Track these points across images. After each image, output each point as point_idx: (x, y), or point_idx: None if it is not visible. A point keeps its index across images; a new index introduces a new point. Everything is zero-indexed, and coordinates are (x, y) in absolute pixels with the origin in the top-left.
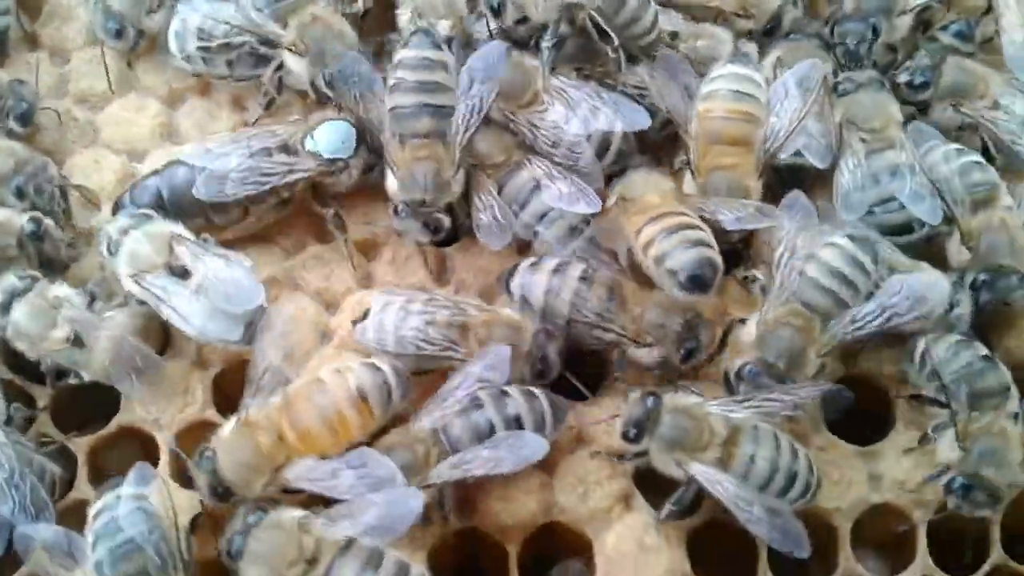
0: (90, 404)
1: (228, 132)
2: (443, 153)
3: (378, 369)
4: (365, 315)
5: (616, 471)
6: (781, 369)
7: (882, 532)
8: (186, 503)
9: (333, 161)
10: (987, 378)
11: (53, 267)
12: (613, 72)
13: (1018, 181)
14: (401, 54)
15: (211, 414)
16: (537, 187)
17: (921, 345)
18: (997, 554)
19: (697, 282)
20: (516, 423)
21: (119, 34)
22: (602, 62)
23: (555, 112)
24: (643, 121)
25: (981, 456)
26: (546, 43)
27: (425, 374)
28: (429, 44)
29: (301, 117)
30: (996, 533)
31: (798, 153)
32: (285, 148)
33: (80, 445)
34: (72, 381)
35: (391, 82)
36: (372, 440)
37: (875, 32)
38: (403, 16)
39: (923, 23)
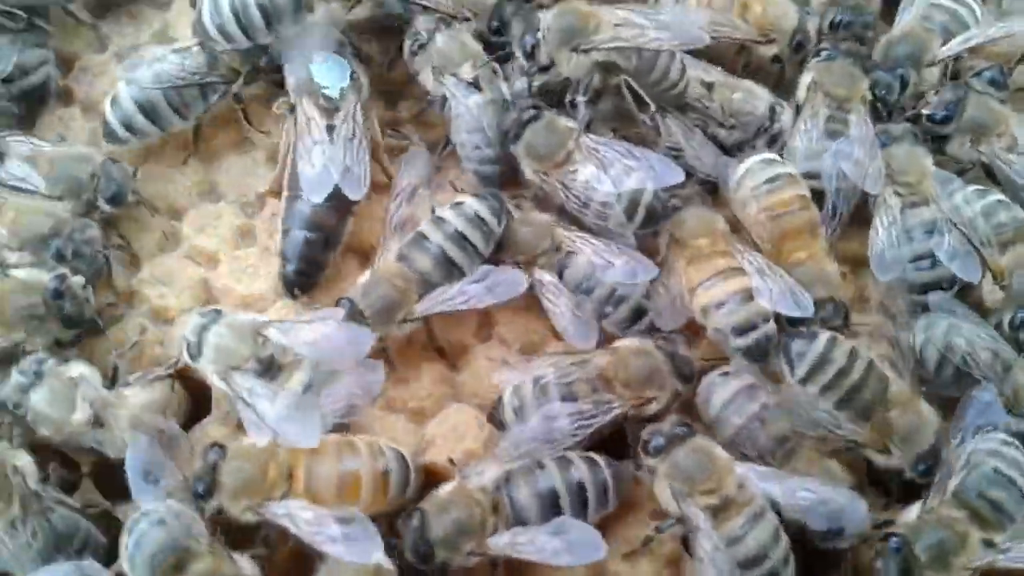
0: None
1: None
2: None
3: (404, 460)
4: (497, 407)
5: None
6: None
7: None
8: None
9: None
10: None
11: (80, 327)
12: (650, 136)
13: None
14: None
15: None
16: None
17: None
18: None
19: (755, 356)
20: (579, 490)
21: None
22: (638, 125)
23: (586, 172)
24: (676, 177)
25: None
26: (579, 99)
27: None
28: None
29: None
30: None
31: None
32: None
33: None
34: None
35: None
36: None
37: (904, 83)
38: (426, 79)
39: (954, 73)
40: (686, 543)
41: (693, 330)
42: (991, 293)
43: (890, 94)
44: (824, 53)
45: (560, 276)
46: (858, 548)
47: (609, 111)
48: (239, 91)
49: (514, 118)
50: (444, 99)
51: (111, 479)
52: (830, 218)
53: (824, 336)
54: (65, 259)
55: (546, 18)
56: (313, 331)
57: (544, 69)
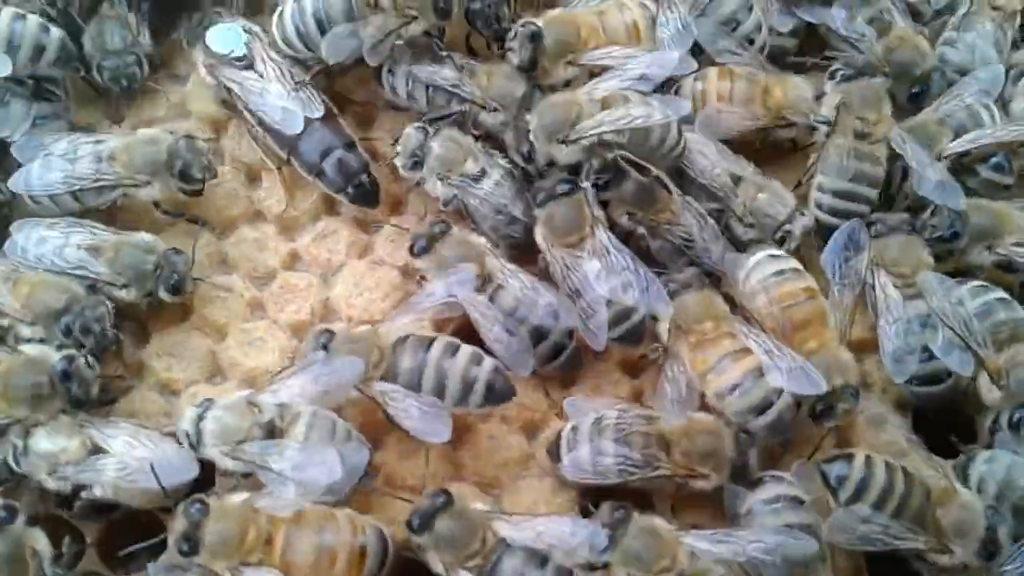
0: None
1: None
2: None
3: (384, 540)
4: (558, 441)
5: None
6: None
7: None
8: None
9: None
10: None
11: (87, 407)
12: (664, 220)
13: None
14: None
15: None
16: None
17: None
18: None
19: (777, 432)
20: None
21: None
22: (658, 208)
23: (590, 266)
24: (663, 311)
25: None
26: (585, 183)
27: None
28: None
29: None
30: None
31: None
32: None
33: None
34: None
35: None
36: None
37: (905, 174)
38: (433, 186)
39: (960, 167)
40: None
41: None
42: (989, 392)
43: (891, 183)
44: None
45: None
46: None
47: (631, 192)
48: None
49: (547, 188)
50: (455, 196)
51: (114, 547)
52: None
53: (860, 457)
54: (72, 334)
55: (532, 120)
56: (301, 380)
57: (549, 164)
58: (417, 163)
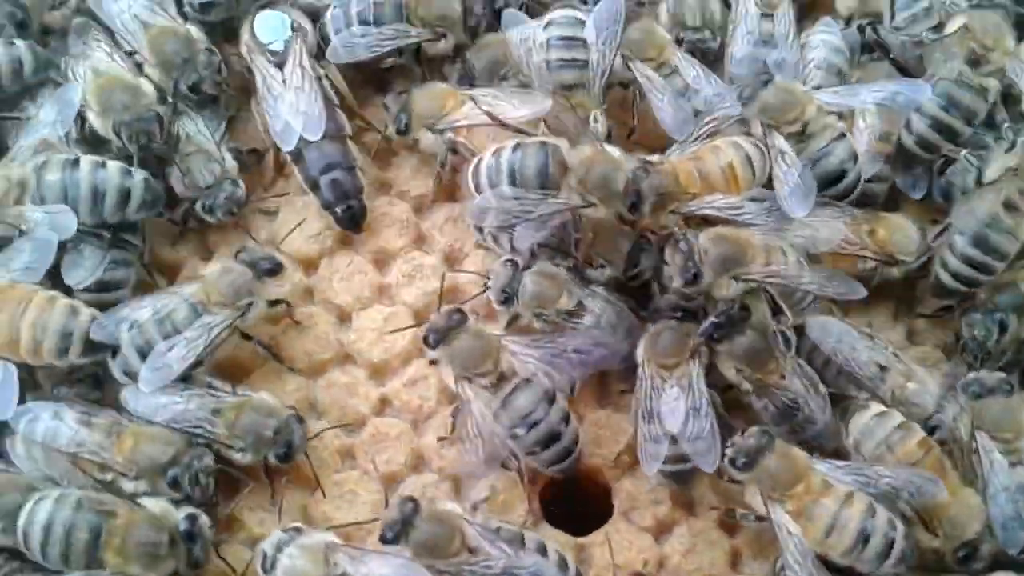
0: None
1: None
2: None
3: None
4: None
5: None
6: None
7: None
8: None
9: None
10: None
11: (201, 567)
12: (772, 383)
13: None
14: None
15: None
16: None
17: None
18: None
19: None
20: None
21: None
22: (768, 369)
23: (671, 393)
24: (708, 469)
25: None
26: (711, 321)
27: None
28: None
29: None
30: None
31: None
32: None
33: None
34: None
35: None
36: None
37: (1003, 328)
38: (531, 323)
39: None
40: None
41: None
42: None
43: (988, 339)
44: (971, 390)
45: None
46: None
47: (744, 347)
48: None
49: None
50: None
51: None
52: None
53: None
54: (180, 487)
55: (702, 242)
56: (383, 564)
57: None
58: (508, 299)
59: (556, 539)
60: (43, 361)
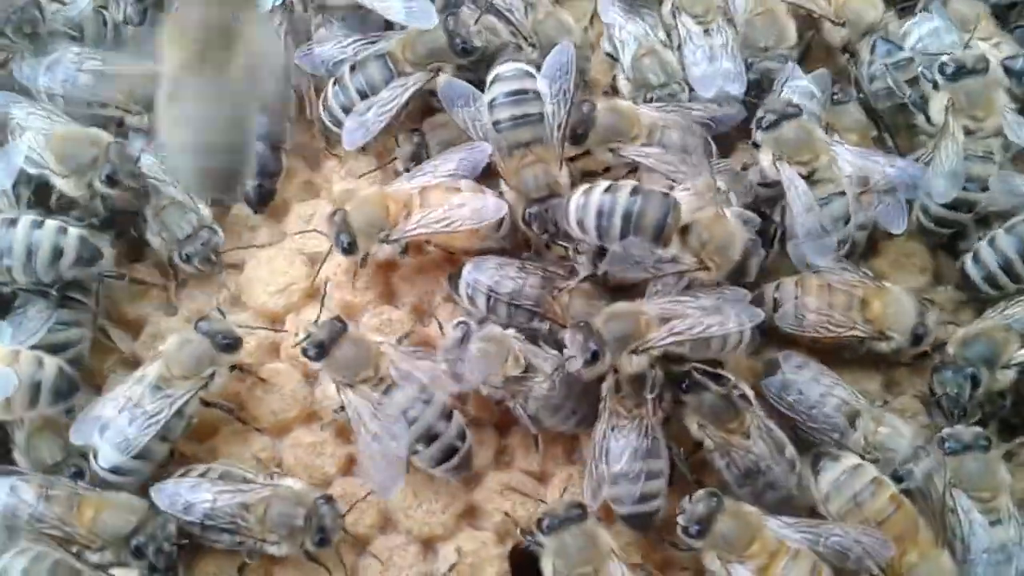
0: None
1: None
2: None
3: None
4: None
5: None
6: None
7: None
8: None
9: None
10: None
11: None
12: (736, 443)
13: None
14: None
15: None
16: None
17: None
18: None
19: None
20: None
21: None
22: (731, 428)
23: (623, 440)
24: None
25: None
26: (649, 397)
27: None
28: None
29: None
30: None
31: None
32: None
33: None
34: None
35: (488, 98)
36: None
37: (975, 383)
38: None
39: None
40: None
41: None
42: None
43: (961, 395)
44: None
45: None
46: None
47: (708, 404)
48: None
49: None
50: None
51: None
52: None
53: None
54: (144, 556)
55: (597, 324)
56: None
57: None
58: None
59: None
60: (14, 415)
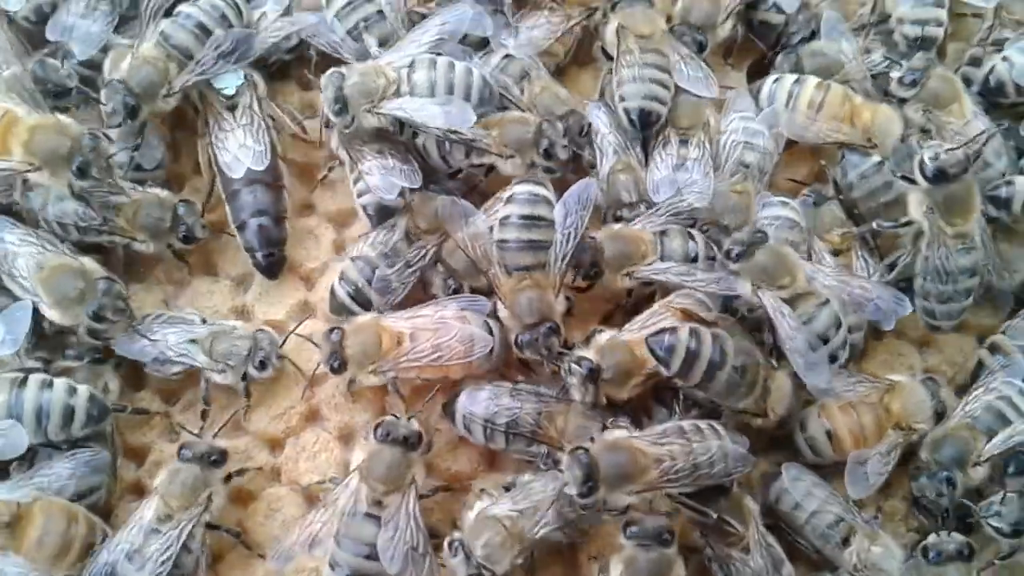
0: None
1: None
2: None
3: None
4: None
5: None
6: None
7: None
8: None
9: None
10: None
11: None
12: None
13: None
14: (511, 190)
15: None
16: None
17: None
18: None
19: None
20: None
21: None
22: (731, 541)
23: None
24: None
25: None
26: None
27: None
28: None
29: None
30: None
31: None
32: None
33: None
34: None
35: (500, 215)
36: None
37: (952, 485)
38: None
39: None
40: None
41: None
42: None
43: (941, 499)
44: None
45: None
46: None
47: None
48: None
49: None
50: None
51: None
52: None
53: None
54: None
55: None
56: None
57: None
58: None
59: None
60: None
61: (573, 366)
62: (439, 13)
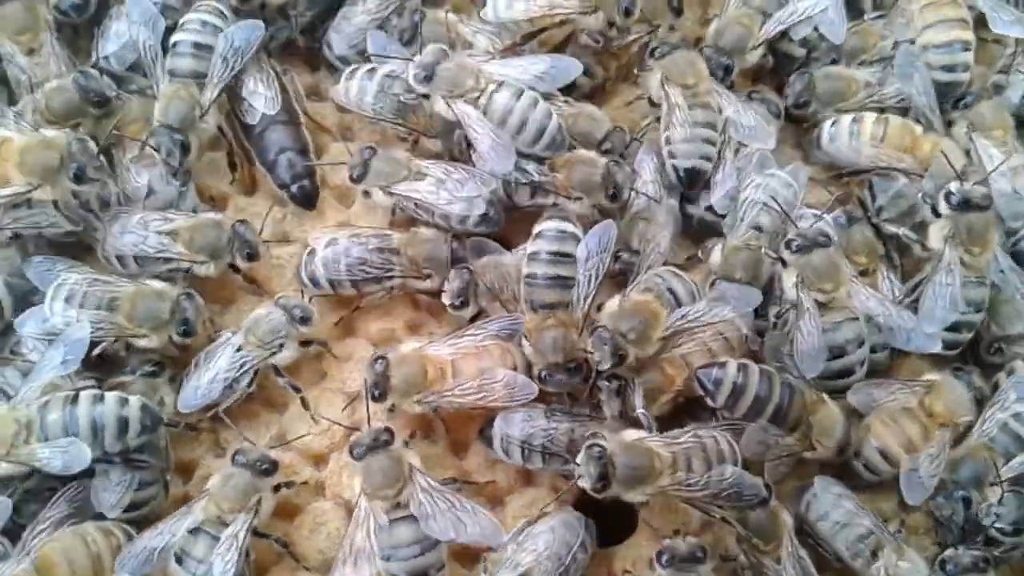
0: None
1: None
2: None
3: None
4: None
5: None
6: None
7: None
8: None
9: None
10: None
11: None
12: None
13: None
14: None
15: None
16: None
17: None
18: None
19: None
20: None
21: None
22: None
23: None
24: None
25: None
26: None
27: None
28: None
29: None
30: None
31: None
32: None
33: None
34: None
35: (529, 250)
36: None
37: (967, 504)
38: None
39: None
40: None
41: None
42: None
43: (956, 517)
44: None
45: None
46: None
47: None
48: None
49: None
50: None
51: None
52: None
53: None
54: None
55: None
56: None
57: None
58: None
59: None
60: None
61: (603, 383)
62: (551, 58)
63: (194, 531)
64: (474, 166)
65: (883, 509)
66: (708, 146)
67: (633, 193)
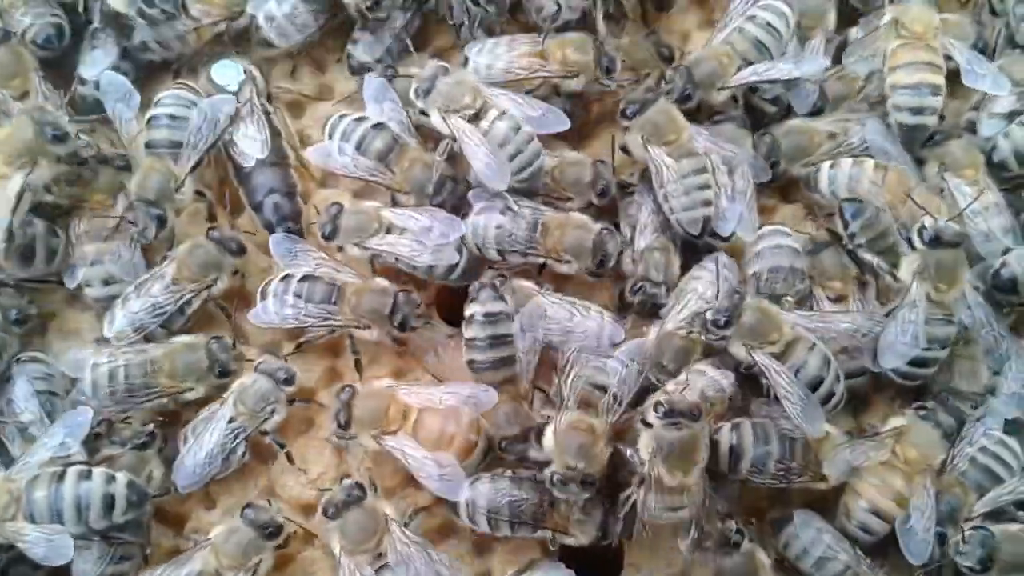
0: None
1: None
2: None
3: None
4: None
5: None
6: None
7: None
8: None
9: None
10: None
11: None
12: None
13: None
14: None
15: None
16: None
17: None
18: None
19: None
20: None
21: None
22: None
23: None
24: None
25: None
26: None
27: None
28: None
29: None
30: None
31: None
32: None
33: None
34: None
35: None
36: None
37: (942, 540)
38: None
39: None
40: None
41: None
42: None
43: (932, 552)
44: None
45: None
46: None
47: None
48: None
49: None
50: None
51: None
52: None
53: None
54: None
55: None
56: None
57: None
58: None
59: None
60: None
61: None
62: (546, 106)
63: None
64: (455, 179)
65: None
66: (705, 191)
67: (636, 228)
